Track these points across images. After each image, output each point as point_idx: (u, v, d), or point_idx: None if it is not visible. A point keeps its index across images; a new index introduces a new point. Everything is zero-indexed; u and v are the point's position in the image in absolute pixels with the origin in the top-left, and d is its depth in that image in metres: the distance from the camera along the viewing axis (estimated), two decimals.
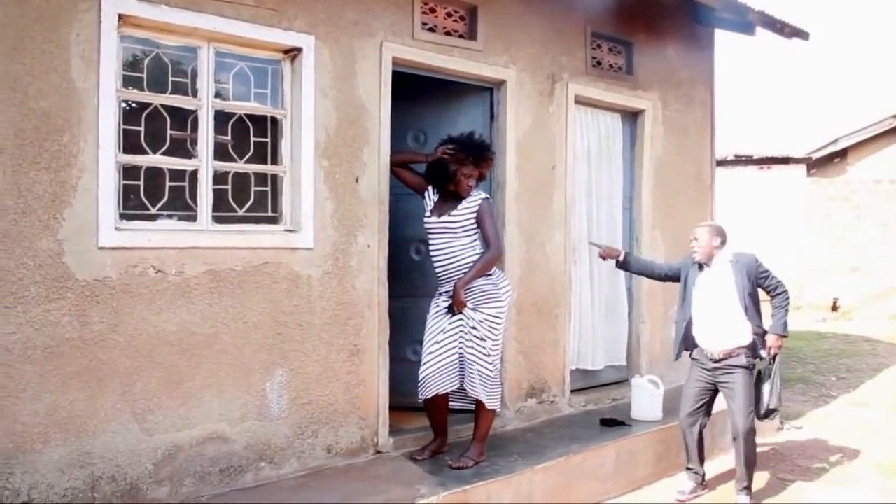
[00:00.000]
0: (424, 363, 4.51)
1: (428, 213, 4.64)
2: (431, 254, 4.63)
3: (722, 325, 4.87)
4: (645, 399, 5.76)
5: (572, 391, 5.97)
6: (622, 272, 6.48)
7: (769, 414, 4.98)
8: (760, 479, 5.23)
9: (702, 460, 5.12)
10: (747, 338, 4.83)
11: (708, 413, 5.09)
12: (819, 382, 8.51)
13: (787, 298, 4.94)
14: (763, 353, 4.86)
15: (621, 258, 5.33)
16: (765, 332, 4.88)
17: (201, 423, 3.97)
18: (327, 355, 4.46)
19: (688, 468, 5.13)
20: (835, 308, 13.90)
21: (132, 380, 3.75)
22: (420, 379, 4.51)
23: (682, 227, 6.80)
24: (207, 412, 3.99)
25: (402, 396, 4.94)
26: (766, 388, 4.89)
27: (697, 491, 5.08)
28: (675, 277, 5.21)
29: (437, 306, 4.60)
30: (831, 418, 7.08)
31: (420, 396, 4.56)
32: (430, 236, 4.63)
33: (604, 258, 5.41)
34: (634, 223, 6.62)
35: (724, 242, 4.94)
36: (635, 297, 6.59)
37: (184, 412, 3.91)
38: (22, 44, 3.43)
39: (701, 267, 4.98)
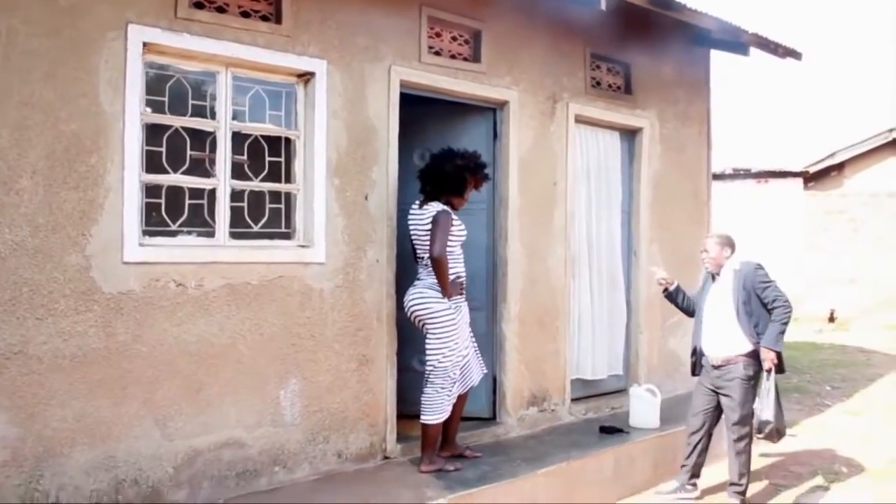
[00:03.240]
0: (462, 357, 4.70)
1: (461, 223, 4.71)
2: (459, 261, 4.71)
3: (719, 332, 5.04)
4: (643, 408, 5.95)
5: (572, 400, 6.16)
6: (622, 285, 6.70)
7: (762, 428, 4.91)
8: (754, 485, 5.37)
9: (698, 467, 5.20)
10: (745, 346, 4.94)
11: (715, 420, 5.16)
12: (814, 392, 8.66)
13: (787, 313, 4.85)
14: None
15: (672, 288, 5.37)
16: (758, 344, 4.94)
17: (219, 429, 4.17)
18: (338, 365, 4.66)
19: (682, 465, 5.22)
20: (832, 319, 14.05)
21: (154, 388, 3.96)
22: (465, 368, 4.75)
23: (679, 241, 7.03)
24: (225, 419, 4.19)
25: (409, 405, 5.12)
26: (757, 403, 4.92)
27: (679, 493, 5.20)
28: None
29: (460, 311, 4.72)
30: (825, 426, 7.24)
31: (463, 389, 4.76)
32: (457, 244, 4.69)
33: (665, 287, 5.39)
34: (633, 237, 6.82)
35: (733, 252, 5.12)
36: (633, 308, 6.79)
37: (202, 419, 4.11)
38: (55, 71, 3.65)
39: (713, 278, 5.18)
